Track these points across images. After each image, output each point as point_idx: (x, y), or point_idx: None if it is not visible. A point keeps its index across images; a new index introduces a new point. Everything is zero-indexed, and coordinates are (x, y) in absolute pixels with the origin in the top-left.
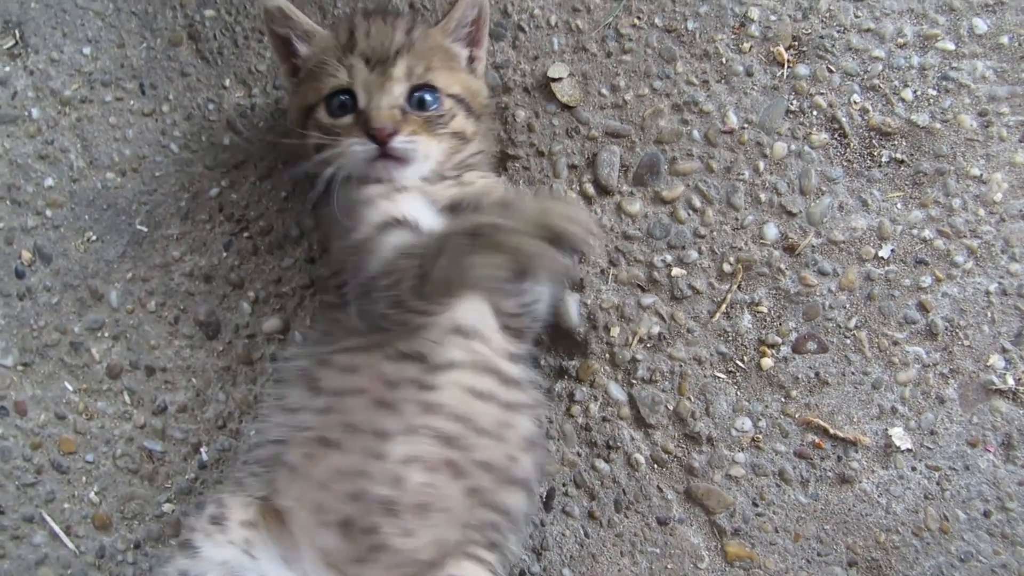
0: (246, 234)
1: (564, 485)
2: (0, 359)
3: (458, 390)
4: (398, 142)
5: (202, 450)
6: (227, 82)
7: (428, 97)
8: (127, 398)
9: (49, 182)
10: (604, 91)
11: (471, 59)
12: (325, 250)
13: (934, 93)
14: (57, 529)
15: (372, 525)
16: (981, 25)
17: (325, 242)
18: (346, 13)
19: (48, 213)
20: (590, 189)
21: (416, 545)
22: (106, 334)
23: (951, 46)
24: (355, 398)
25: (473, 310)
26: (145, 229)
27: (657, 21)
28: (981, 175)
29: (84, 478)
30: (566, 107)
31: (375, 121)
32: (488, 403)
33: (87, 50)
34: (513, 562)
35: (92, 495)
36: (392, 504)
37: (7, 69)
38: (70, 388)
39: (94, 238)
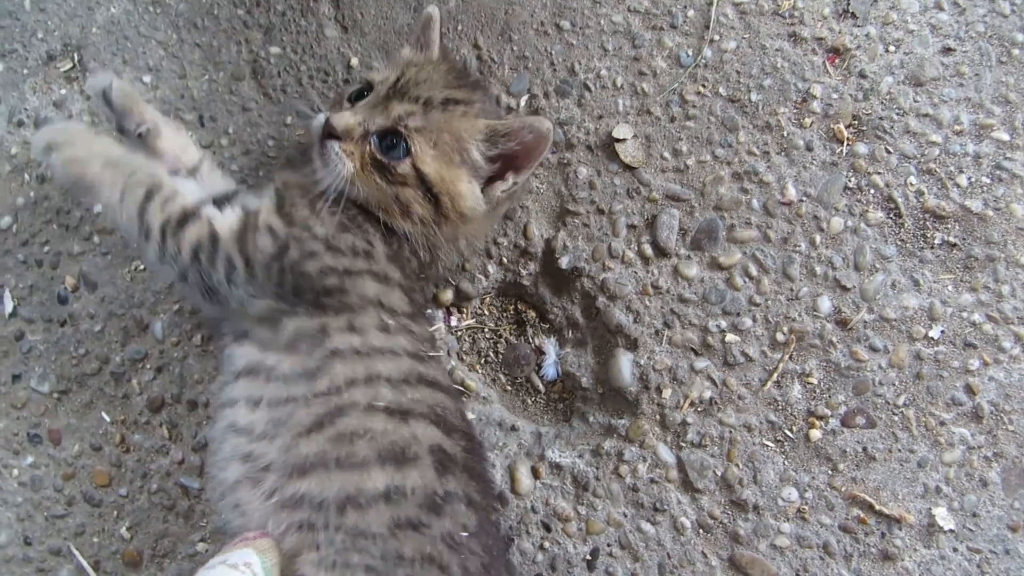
0: None
1: (609, 545)
2: (36, 385)
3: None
4: (328, 145)
5: None
6: (289, 120)
7: (392, 146)
8: (166, 432)
9: (99, 208)
10: (666, 155)
11: (494, 177)
12: None
13: (988, 181)
14: (85, 564)
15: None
16: None
17: None
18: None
19: (96, 239)
20: (648, 250)
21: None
22: (149, 366)
23: (1006, 137)
24: None
25: None
26: None
27: (722, 90)
28: None
29: (116, 512)
30: (628, 167)
31: (334, 119)
32: (259, 409)
33: (147, 78)
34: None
35: (123, 530)
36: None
37: (63, 92)
38: (107, 419)
39: (142, 267)
